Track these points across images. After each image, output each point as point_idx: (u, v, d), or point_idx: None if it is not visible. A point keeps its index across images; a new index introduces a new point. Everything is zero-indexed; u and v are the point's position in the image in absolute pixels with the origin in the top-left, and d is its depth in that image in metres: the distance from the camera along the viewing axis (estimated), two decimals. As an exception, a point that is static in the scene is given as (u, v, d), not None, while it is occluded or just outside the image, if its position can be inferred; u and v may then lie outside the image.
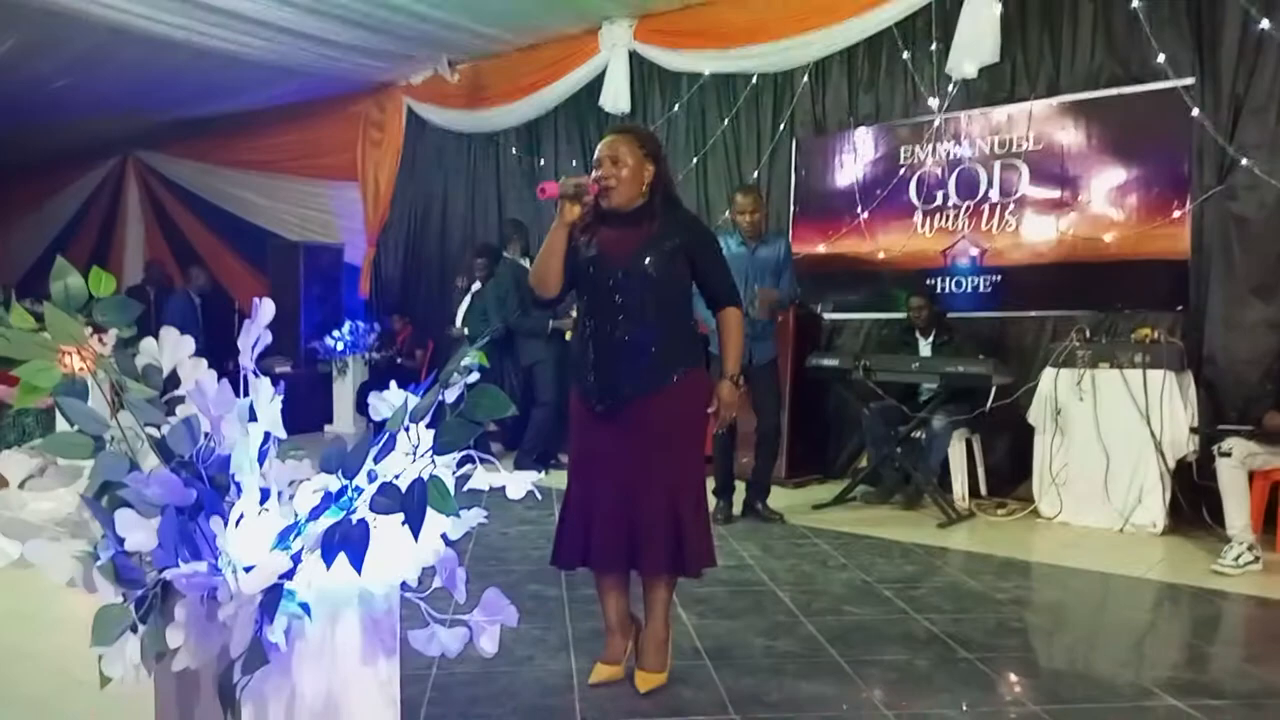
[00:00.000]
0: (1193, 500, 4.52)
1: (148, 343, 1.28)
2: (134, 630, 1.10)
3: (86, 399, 1.17)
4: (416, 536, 1.13)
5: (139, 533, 1.08)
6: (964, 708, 2.48)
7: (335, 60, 7.55)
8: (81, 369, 1.18)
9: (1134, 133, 5.08)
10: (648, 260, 2.54)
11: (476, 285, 6.73)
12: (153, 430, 1.18)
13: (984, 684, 2.65)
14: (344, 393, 8.15)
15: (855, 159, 6.06)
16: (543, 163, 7.55)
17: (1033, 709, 2.47)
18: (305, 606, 1.15)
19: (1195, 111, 4.78)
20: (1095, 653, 3.05)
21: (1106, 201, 5.19)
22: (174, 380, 1.29)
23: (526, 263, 6.47)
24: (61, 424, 1.24)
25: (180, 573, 1.06)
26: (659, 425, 2.54)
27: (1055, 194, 5.35)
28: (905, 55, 5.76)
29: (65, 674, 2.58)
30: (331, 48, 7.23)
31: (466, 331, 6.73)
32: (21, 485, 1.16)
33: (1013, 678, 2.72)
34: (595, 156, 2.61)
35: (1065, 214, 5.31)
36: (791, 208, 6.32)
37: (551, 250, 2.58)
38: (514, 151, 7.76)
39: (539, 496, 1.38)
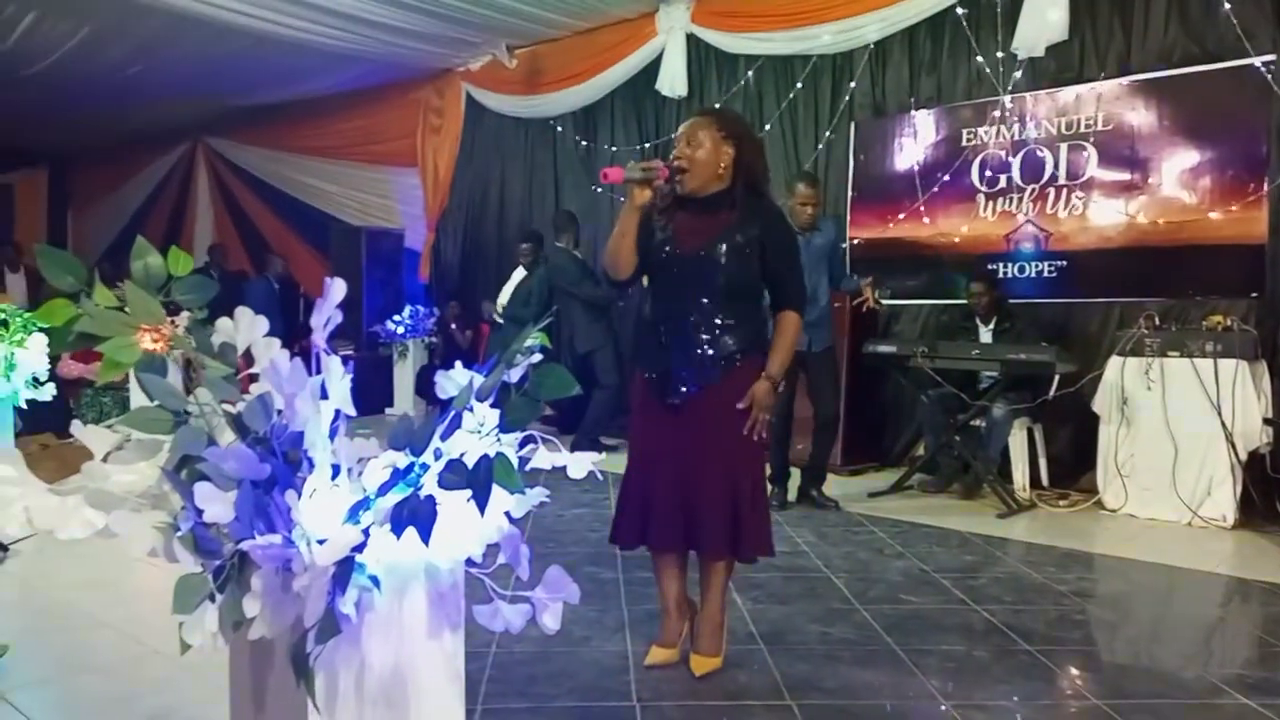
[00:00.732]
0: (1265, 493, 4.38)
1: (223, 322, 1.32)
2: (212, 599, 1.14)
3: (166, 375, 1.21)
4: (483, 511, 1.15)
5: (217, 505, 1.12)
6: (1023, 700, 2.45)
7: (397, 46, 7.64)
8: (161, 346, 1.22)
9: (1209, 112, 4.90)
10: (721, 249, 2.52)
11: (520, 272, 6.82)
12: (229, 407, 1.22)
13: (1044, 676, 2.61)
14: (404, 376, 8.29)
15: (916, 142, 5.96)
16: (603, 147, 7.55)
17: (1094, 703, 2.43)
18: (375, 579, 1.18)
19: (1277, 89, 4.60)
20: (1161, 647, 2.99)
21: (1179, 184, 5.03)
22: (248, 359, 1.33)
23: (578, 253, 6.52)
24: (136, 403, 1.29)
25: (256, 544, 1.10)
26: (720, 411, 2.53)
27: (1124, 176, 5.20)
28: (969, 34, 5.64)
29: (141, 643, 2.69)
30: (393, 34, 7.32)
31: (502, 314, 6.84)
32: (105, 458, 1.21)
33: (1074, 671, 2.67)
34: (674, 135, 2.61)
35: (1135, 197, 5.16)
36: (849, 192, 6.24)
37: (623, 233, 2.57)
38: (570, 136, 7.78)
39: (600, 477, 1.40)
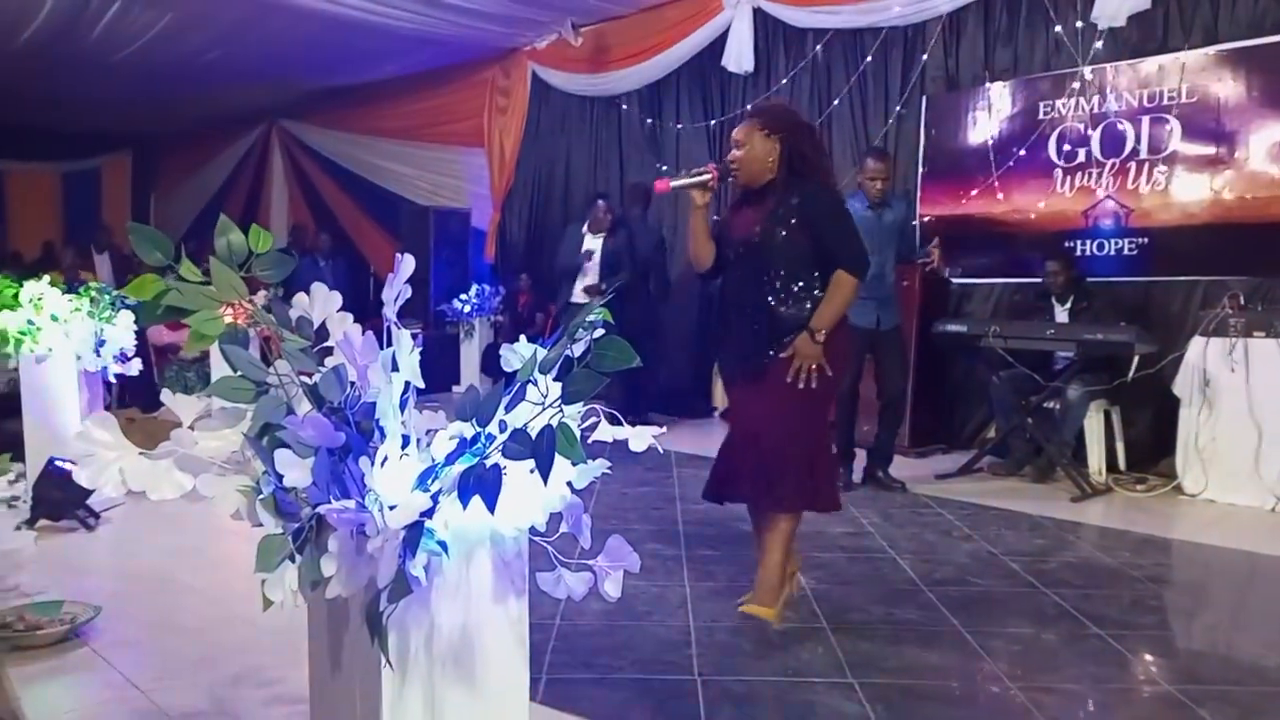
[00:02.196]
0: (1357, 480, 4.20)
1: (300, 298, 1.37)
2: (292, 560, 1.20)
3: (248, 347, 1.26)
4: (546, 480, 1.19)
5: (295, 471, 1.17)
6: (1093, 685, 2.41)
7: (465, 27, 7.72)
8: (241, 319, 1.27)
9: (1302, 83, 4.68)
10: (765, 233, 2.73)
11: (593, 239, 6.47)
12: (306, 378, 1.27)
13: (1116, 661, 2.56)
14: (470, 354, 8.42)
15: (990, 115, 5.81)
16: (668, 125, 7.53)
17: (1167, 689, 2.38)
18: (443, 545, 1.22)
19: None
20: (1239, 634, 2.90)
21: (1267, 158, 4.81)
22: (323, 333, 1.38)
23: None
24: (217, 377, 1.35)
25: (332, 508, 1.15)
26: (771, 382, 2.72)
27: (1210, 150, 4.99)
28: (1047, 4, 5.46)
29: (224, 608, 2.81)
30: (462, 14, 7.39)
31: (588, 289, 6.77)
32: (192, 426, 1.27)
33: (1147, 657, 2.62)
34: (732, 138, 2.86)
35: (1220, 172, 4.96)
36: (919, 168, 6.12)
37: (693, 233, 2.89)
38: (635, 114, 7.77)
39: (661, 451, 1.42)
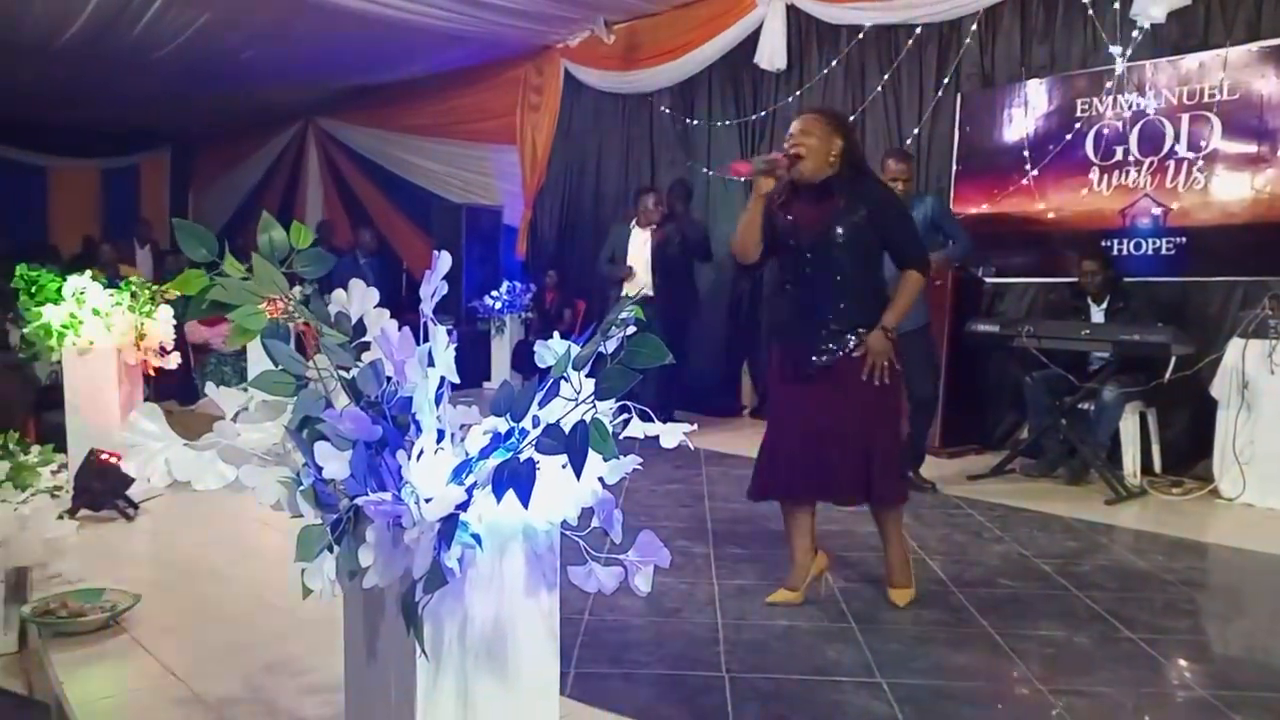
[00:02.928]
0: (1401, 486, 4.12)
1: (338, 294, 1.40)
2: (330, 550, 1.22)
3: (289, 342, 1.29)
4: (579, 474, 1.20)
5: (334, 463, 1.19)
6: (1125, 688, 2.38)
7: (499, 25, 7.76)
8: (284, 314, 1.30)
9: (1350, 79, 4.59)
10: (837, 231, 2.79)
11: (641, 233, 6.38)
12: (344, 372, 1.29)
13: (1149, 665, 2.54)
14: (502, 350, 8.48)
15: (1026, 113, 5.74)
16: (700, 123, 7.53)
17: (1201, 694, 2.35)
18: (477, 537, 1.24)
19: None
20: (1275, 641, 2.85)
21: (1313, 156, 4.72)
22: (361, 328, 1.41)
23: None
24: (253, 372, 1.38)
25: (370, 500, 1.17)
26: (845, 378, 2.80)
27: (1251, 149, 4.91)
28: (1086, 0, 5.39)
29: (260, 598, 2.86)
30: (496, 12, 7.44)
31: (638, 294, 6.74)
32: (234, 418, 1.30)
33: (1181, 661, 2.59)
34: (787, 133, 2.90)
35: (1262, 170, 4.87)
36: (954, 166, 6.06)
37: (750, 221, 2.89)
38: (667, 111, 7.77)
39: (691, 448, 1.43)
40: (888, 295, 2.90)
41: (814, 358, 2.81)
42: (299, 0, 6.97)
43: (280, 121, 11.82)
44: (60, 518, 3.11)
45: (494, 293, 8.50)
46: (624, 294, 6.27)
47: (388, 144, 10.56)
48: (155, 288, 4.25)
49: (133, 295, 4.18)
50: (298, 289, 1.44)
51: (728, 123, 7.28)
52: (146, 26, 7.71)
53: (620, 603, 2.82)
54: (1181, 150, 5.14)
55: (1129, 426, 4.82)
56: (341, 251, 9.94)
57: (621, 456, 1.33)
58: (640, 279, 6.29)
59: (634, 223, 6.46)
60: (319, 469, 1.19)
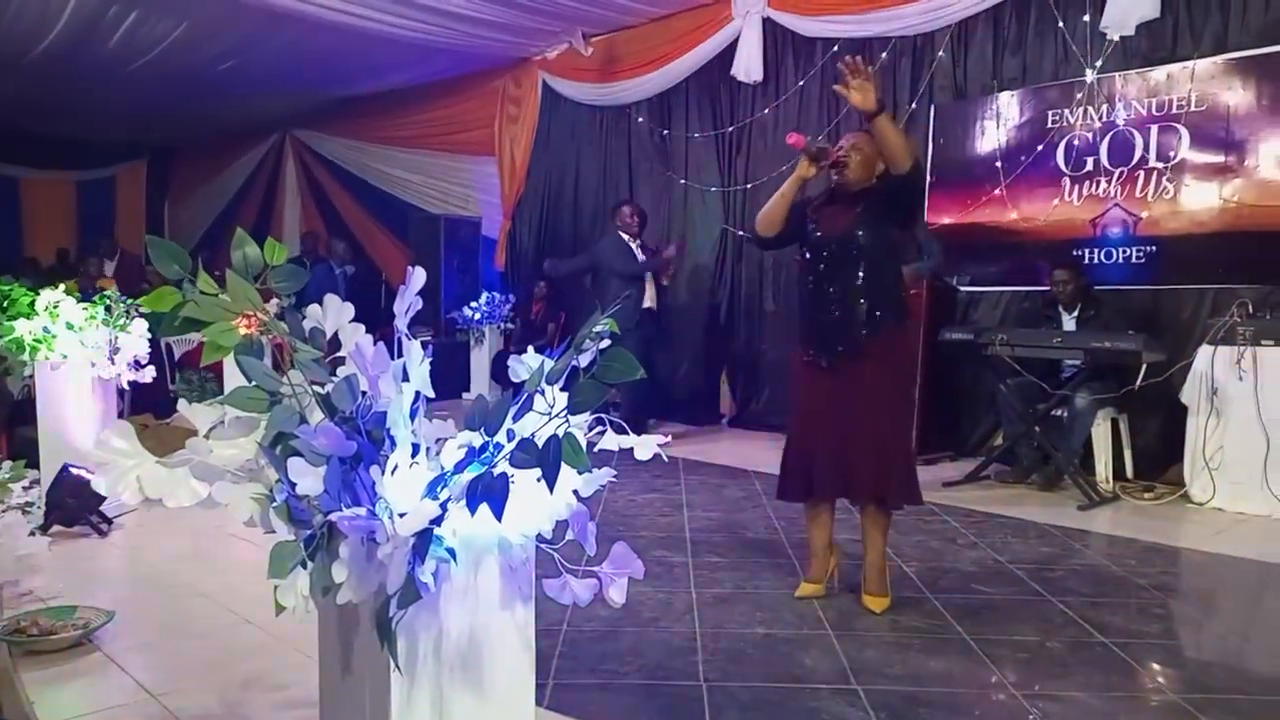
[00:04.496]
0: (1367, 489, 4.19)
1: (313, 309, 1.41)
2: (304, 566, 1.23)
3: (263, 358, 1.30)
4: (552, 488, 1.21)
5: (308, 479, 1.20)
6: (1097, 693, 2.41)
7: (477, 37, 7.78)
8: (258, 331, 1.30)
9: (1312, 91, 4.69)
10: (859, 234, 2.95)
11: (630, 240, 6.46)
12: (318, 387, 1.30)
13: (1121, 670, 2.57)
14: (481, 361, 8.47)
15: (998, 124, 5.82)
16: (678, 134, 7.56)
17: (1173, 698, 2.38)
18: (451, 551, 1.25)
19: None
20: (1245, 644, 2.90)
21: (1277, 166, 4.81)
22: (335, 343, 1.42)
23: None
24: (229, 386, 1.38)
25: (344, 516, 1.18)
26: (867, 379, 2.95)
27: (1219, 159, 5.00)
28: (1056, 13, 5.48)
29: (235, 612, 2.85)
30: (474, 25, 7.45)
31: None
32: (208, 434, 1.30)
33: (1153, 665, 2.62)
34: (839, 144, 3.03)
35: (1229, 180, 4.96)
36: (928, 177, 6.12)
37: (783, 195, 3.02)
38: (645, 123, 7.81)
39: (666, 459, 1.44)
40: (904, 295, 3.12)
41: (836, 350, 2.95)
42: (277, 12, 6.95)
43: (258, 133, 11.76)
44: (32, 534, 3.08)
45: (473, 304, 8.49)
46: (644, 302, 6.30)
47: (366, 155, 10.55)
48: (130, 301, 4.23)
49: (107, 309, 4.15)
50: (274, 302, 1.44)
51: (705, 134, 7.32)
52: (123, 37, 7.68)
53: (599, 613, 2.83)
54: (1151, 160, 5.22)
55: (1101, 433, 4.88)
56: (315, 261, 9.90)
57: (596, 469, 1.35)
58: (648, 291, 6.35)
59: (626, 233, 6.46)
60: (292, 485, 1.20)
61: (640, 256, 6.35)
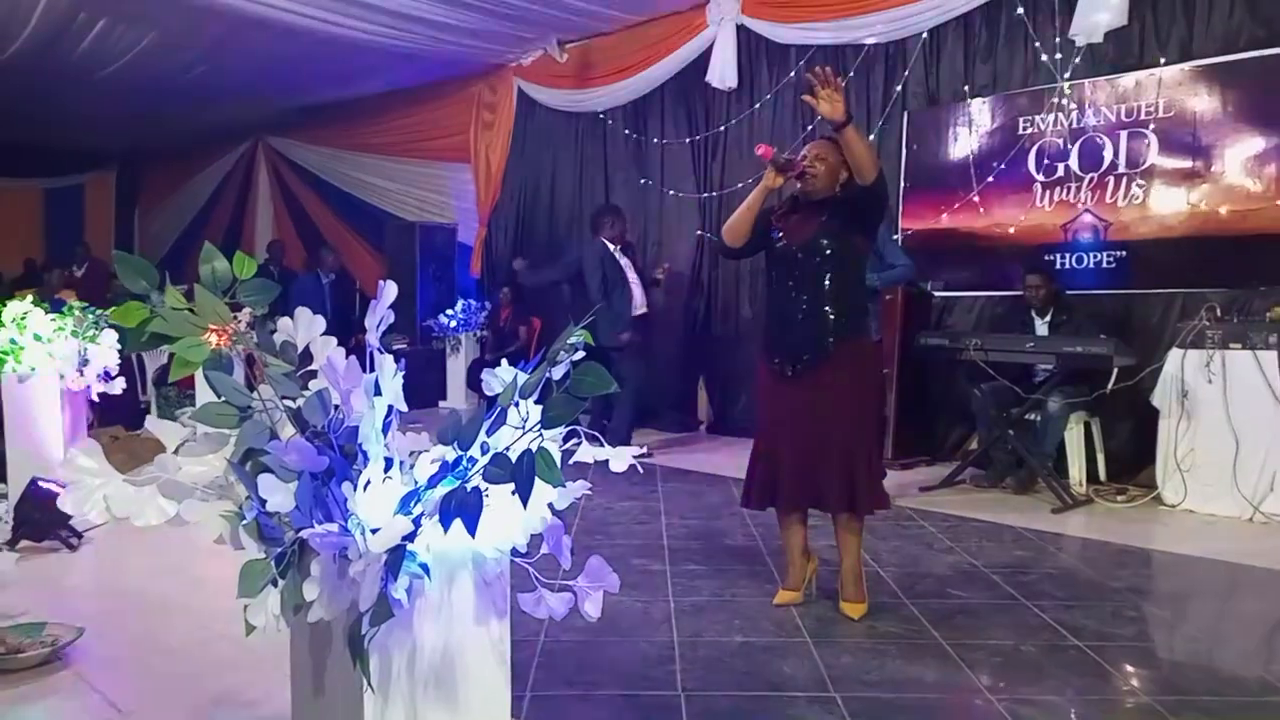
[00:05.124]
0: (1332, 490, 4.26)
1: (284, 322, 1.39)
2: (274, 584, 1.21)
3: (233, 373, 1.28)
4: (526, 504, 1.20)
5: (279, 495, 1.18)
6: (1072, 696, 2.43)
7: (451, 44, 7.76)
8: (224, 341, 1.29)
9: (1275, 97, 4.76)
10: (823, 243, 2.95)
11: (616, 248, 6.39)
12: (289, 402, 1.28)
13: (1095, 673, 2.59)
14: (457, 369, 8.43)
15: (970, 131, 5.88)
16: (653, 140, 7.57)
17: (1146, 700, 2.40)
18: (425, 567, 1.24)
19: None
20: (1218, 645, 2.93)
21: (1243, 172, 4.89)
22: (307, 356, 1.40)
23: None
24: (200, 400, 1.36)
25: (315, 532, 1.16)
26: (833, 386, 2.95)
27: (1186, 164, 5.07)
28: (1026, 21, 5.54)
29: (208, 628, 2.81)
30: (448, 31, 7.43)
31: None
32: (176, 451, 1.28)
33: (1127, 667, 2.64)
34: (802, 153, 3.03)
35: (1197, 185, 5.04)
36: (901, 183, 6.17)
37: (749, 206, 3.04)
38: (620, 129, 7.81)
39: (641, 471, 1.44)
40: (869, 305, 3.16)
41: (801, 361, 2.96)
42: (248, 19, 6.89)
43: (230, 140, 11.67)
44: (0, 549, 3.03)
45: (449, 311, 8.45)
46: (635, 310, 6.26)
47: (340, 162, 10.48)
48: (99, 312, 4.17)
49: (76, 320, 4.10)
50: (246, 311, 1.43)
51: (681, 140, 7.34)
52: (91, 45, 7.59)
53: (576, 623, 2.79)
54: (1120, 166, 5.29)
55: (1074, 436, 4.93)
56: (294, 271, 9.83)
57: (571, 483, 1.34)
58: (637, 297, 6.28)
59: (612, 243, 6.41)
60: (262, 502, 1.18)
61: (623, 261, 6.31)
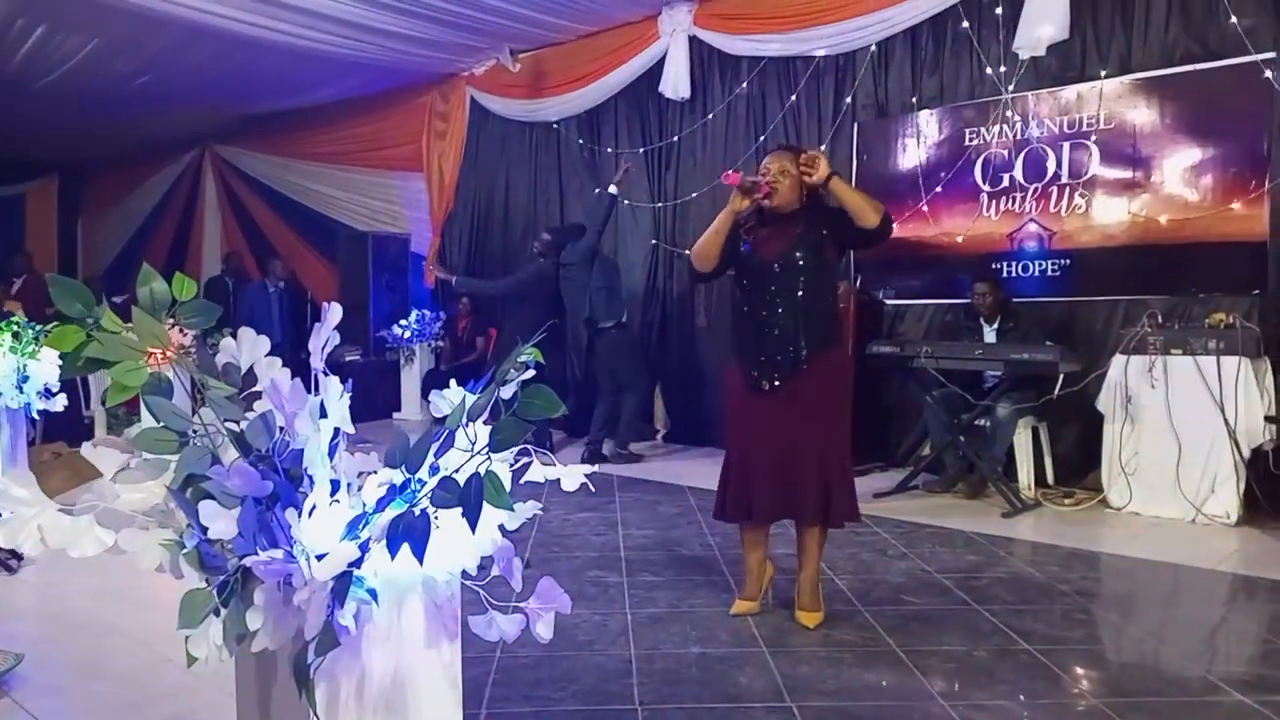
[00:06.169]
0: (1268, 491, 4.39)
1: (227, 342, 1.36)
2: (217, 614, 1.18)
3: (172, 396, 1.25)
4: (474, 529, 1.19)
5: (221, 522, 1.16)
6: (1022, 701, 2.47)
7: (401, 53, 7.69)
8: (164, 361, 1.26)
9: (1210, 110, 4.91)
10: (797, 255, 2.99)
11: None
12: (232, 425, 1.26)
13: (1046, 676, 2.63)
14: (411, 380, 8.34)
15: (919, 142, 5.97)
16: (606, 150, 7.58)
17: (1094, 702, 2.45)
18: (373, 592, 1.22)
19: (1278, 87, 4.61)
20: (1163, 646, 3.00)
21: (1181, 182, 5.03)
22: (251, 377, 1.37)
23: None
24: (147, 419, 1.33)
25: (259, 560, 1.14)
26: (807, 397, 2.98)
27: (1127, 175, 5.20)
28: (971, 35, 5.65)
29: (153, 651, 2.74)
30: (398, 40, 7.37)
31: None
32: (114, 478, 1.25)
33: (1076, 670, 2.70)
34: (762, 166, 3.07)
35: (1137, 195, 5.17)
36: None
37: (717, 231, 3.05)
38: (574, 139, 7.81)
39: (592, 489, 1.43)
40: (839, 316, 3.22)
41: (776, 374, 2.97)
42: (193, 27, 6.77)
43: (176, 148, 11.44)
44: (-67, 575, 2.93)
45: (403, 321, 8.37)
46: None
47: (290, 172, 10.33)
48: (39, 327, 4.06)
49: (15, 335, 3.98)
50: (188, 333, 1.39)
51: (634, 150, 7.35)
52: (32, 50, 7.40)
53: (532, 639, 2.79)
54: (1064, 177, 5.41)
55: (1022, 441, 5.03)
56: (249, 281, 9.67)
57: (523, 502, 1.33)
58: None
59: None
60: (204, 529, 1.16)
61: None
